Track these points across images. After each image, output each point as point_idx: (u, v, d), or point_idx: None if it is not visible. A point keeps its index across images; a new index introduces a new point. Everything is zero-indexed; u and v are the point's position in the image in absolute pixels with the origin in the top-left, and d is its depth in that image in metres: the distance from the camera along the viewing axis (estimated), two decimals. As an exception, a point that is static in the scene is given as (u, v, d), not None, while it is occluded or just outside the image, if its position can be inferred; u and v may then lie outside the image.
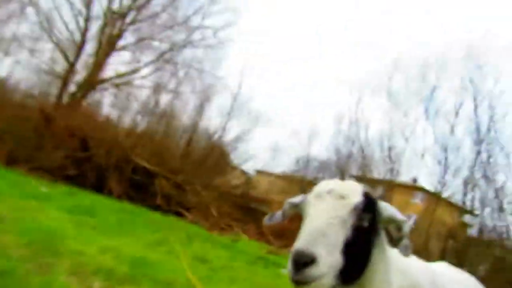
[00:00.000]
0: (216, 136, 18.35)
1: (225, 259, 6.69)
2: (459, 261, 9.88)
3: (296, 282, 1.16)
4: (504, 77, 11.15)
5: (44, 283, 3.11)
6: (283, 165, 21.86)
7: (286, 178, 22.07)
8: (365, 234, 1.32)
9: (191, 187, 11.54)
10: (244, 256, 7.66)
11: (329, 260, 1.17)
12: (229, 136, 18.95)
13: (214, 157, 17.53)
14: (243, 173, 25.65)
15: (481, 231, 11.40)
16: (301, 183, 17.62)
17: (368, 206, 1.34)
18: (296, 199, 1.55)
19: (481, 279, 2.23)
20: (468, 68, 11.73)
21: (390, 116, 13.58)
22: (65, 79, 14.19)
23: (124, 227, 6.46)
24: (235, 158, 20.61)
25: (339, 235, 1.23)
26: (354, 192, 1.36)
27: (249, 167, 22.99)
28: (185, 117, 18.03)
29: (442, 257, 8.96)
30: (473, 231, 12.10)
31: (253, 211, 14.92)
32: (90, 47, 15.26)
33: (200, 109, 17.87)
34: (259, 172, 24.18)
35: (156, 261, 4.86)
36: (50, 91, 14.61)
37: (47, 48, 14.94)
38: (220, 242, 8.55)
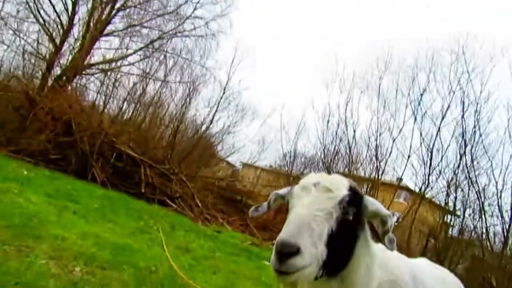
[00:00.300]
0: (203, 127, 18.24)
1: (208, 250, 6.70)
2: (439, 259, 10.14)
3: (279, 272, 1.15)
4: (491, 82, 11.36)
5: (23, 267, 3.05)
6: (270, 159, 21.89)
7: (272, 172, 22.17)
8: (349, 228, 1.33)
9: (176, 177, 11.47)
10: (228, 247, 7.68)
11: (313, 251, 1.18)
12: (216, 128, 18.86)
13: (201, 148, 17.45)
14: (229, 165, 25.68)
15: (461, 231, 11.71)
16: (287, 177, 17.71)
17: (354, 200, 1.35)
18: (283, 190, 1.56)
19: (460, 277, 2.28)
20: (457, 72, 11.90)
21: (378, 116, 13.72)
22: (51, 62, 13.83)
23: (106, 214, 6.38)
24: (222, 150, 20.56)
25: (324, 228, 1.24)
26: (340, 185, 1.36)
27: (235, 159, 23.00)
28: (172, 107, 17.85)
29: (422, 255, 9.16)
30: (454, 231, 12.41)
31: (238, 203, 14.98)
32: (77, 31, 14.92)
33: (187, 99, 17.70)
34: (245, 165, 24.22)
35: (138, 249, 4.83)
36: (35, 74, 14.25)
37: (33, 29, 14.53)
38: (204, 232, 8.55)
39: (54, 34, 14.36)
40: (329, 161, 15.44)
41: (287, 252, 1.13)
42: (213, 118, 17.96)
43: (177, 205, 10.61)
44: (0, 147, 9.24)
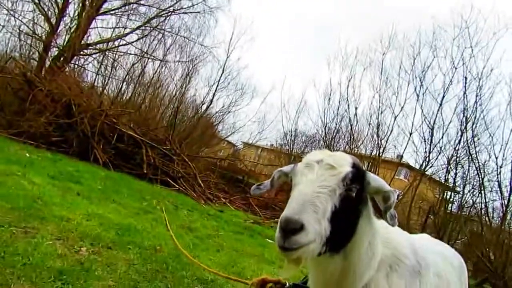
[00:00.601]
0: (203, 107, 18.17)
1: (211, 228, 6.80)
2: (438, 235, 10.28)
3: (283, 248, 1.16)
4: (493, 57, 11.18)
5: (30, 247, 3.10)
6: (271, 138, 21.90)
7: (273, 151, 22.24)
8: (353, 204, 1.34)
9: (178, 157, 11.52)
10: (230, 226, 7.80)
11: (317, 227, 1.18)
12: (216, 108, 18.79)
13: (201, 128, 17.44)
14: (230, 145, 25.73)
15: (461, 207, 11.82)
16: (288, 156, 17.76)
17: (357, 176, 1.35)
18: (286, 168, 1.56)
19: (458, 253, 2.31)
20: (460, 47, 11.69)
21: (381, 93, 13.58)
22: (47, 43, 13.63)
23: (109, 195, 6.45)
24: (222, 130, 20.56)
25: (328, 204, 1.24)
26: (344, 162, 1.36)
27: (236, 139, 23.03)
28: (172, 87, 17.73)
29: (422, 231, 9.29)
30: (453, 208, 12.52)
31: (240, 182, 15.10)
32: (73, 9, 14.61)
33: (187, 79, 17.55)
34: (246, 145, 24.27)
35: (143, 229, 4.91)
36: (32, 55, 14.06)
37: (27, 8, 14.22)
38: (207, 212, 8.66)
39: (49, 13, 14.09)
40: (330, 139, 15.42)
41: (291, 228, 1.14)
42: (213, 98, 17.89)
43: (180, 185, 10.69)
44: (1, 130, 9.23)
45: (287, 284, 1.82)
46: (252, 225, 8.80)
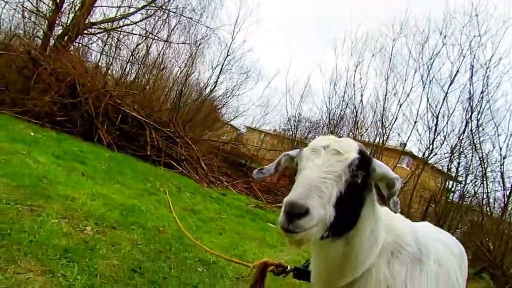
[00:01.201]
0: (207, 90, 18.10)
1: (214, 211, 6.87)
2: (438, 224, 10.34)
3: (287, 230, 1.17)
4: (502, 46, 10.98)
5: (36, 225, 3.15)
6: (274, 123, 21.89)
7: (276, 136, 22.22)
8: (358, 190, 1.34)
9: (182, 140, 11.55)
10: (232, 209, 7.87)
11: (322, 212, 1.19)
12: (220, 91, 18.71)
13: (205, 111, 17.41)
14: (234, 129, 25.72)
15: (462, 197, 11.83)
16: (291, 142, 17.76)
17: (363, 163, 1.35)
18: (292, 152, 1.56)
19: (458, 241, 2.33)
20: (469, 35, 11.48)
21: (388, 81, 13.45)
22: (52, 21, 13.49)
23: (113, 176, 6.50)
24: (226, 113, 20.53)
25: (333, 190, 1.25)
26: (350, 148, 1.36)
27: (240, 123, 23.02)
28: (176, 69, 17.62)
29: (422, 220, 9.34)
30: (455, 197, 12.54)
31: (242, 166, 15.17)
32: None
33: (191, 60, 17.42)
34: (250, 129, 24.25)
35: (146, 210, 4.96)
36: (36, 33, 13.95)
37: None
38: (209, 195, 8.73)
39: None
40: (334, 125, 15.38)
41: (296, 213, 1.14)
42: (217, 81, 17.79)
43: (183, 168, 10.76)
44: (6, 108, 9.25)
45: (289, 267, 1.84)
46: (254, 209, 8.88)
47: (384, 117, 13.58)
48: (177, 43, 16.97)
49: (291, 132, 18.77)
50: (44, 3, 13.89)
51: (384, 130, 13.55)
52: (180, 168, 10.64)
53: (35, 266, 2.57)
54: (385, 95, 13.47)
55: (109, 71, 15.65)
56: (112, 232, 3.70)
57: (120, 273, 2.92)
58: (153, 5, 15.56)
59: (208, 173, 11.29)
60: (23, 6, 13.48)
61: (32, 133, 7.62)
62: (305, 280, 1.76)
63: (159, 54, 16.83)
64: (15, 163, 4.83)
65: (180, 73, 17.42)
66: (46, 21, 13.59)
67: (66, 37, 13.05)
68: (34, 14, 13.69)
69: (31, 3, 13.62)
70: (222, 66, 17.70)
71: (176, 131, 11.70)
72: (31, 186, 4.05)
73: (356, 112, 14.44)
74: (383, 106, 13.53)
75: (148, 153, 10.37)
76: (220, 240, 5.03)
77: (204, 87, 18.02)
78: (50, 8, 13.80)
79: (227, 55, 17.71)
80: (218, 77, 17.79)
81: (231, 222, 6.45)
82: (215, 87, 17.93)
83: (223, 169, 13.32)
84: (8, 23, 14.39)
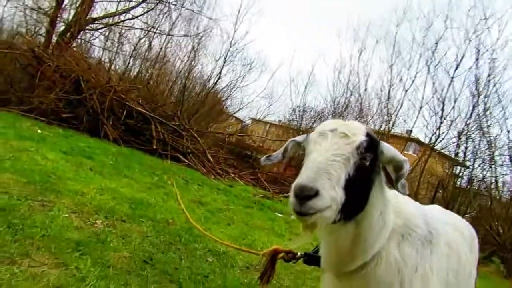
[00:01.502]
0: (210, 82, 18.05)
1: (221, 203, 6.91)
2: (447, 209, 10.30)
3: (299, 213, 1.16)
4: (508, 29, 10.81)
5: (48, 220, 3.20)
6: (279, 113, 21.83)
7: (281, 127, 22.18)
8: (366, 173, 1.33)
9: (187, 133, 11.58)
10: (240, 200, 7.91)
11: (332, 193, 1.18)
12: (223, 83, 18.64)
13: (209, 104, 17.38)
14: (239, 121, 25.70)
15: (470, 181, 11.77)
16: (297, 132, 17.71)
17: (371, 145, 1.34)
18: (299, 137, 1.55)
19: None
20: (475, 18, 11.30)
21: (392, 66, 13.33)
22: (53, 17, 13.49)
23: (121, 170, 6.55)
24: (230, 106, 20.49)
25: (342, 173, 1.24)
26: (358, 131, 1.35)
27: (244, 115, 22.98)
28: (179, 62, 17.57)
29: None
30: (462, 182, 12.48)
31: (248, 158, 15.20)
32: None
33: (194, 53, 17.35)
34: (254, 120, 24.21)
35: (155, 203, 5.01)
36: (38, 31, 13.99)
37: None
38: (217, 186, 8.77)
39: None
40: (339, 114, 15.31)
41: (305, 195, 1.14)
42: (220, 73, 17.71)
43: (189, 160, 10.80)
44: (13, 107, 9.32)
45: (299, 253, 1.85)
46: (262, 200, 8.91)
47: (389, 103, 13.49)
48: (179, 36, 16.93)
49: (296, 122, 18.74)
50: (45, 0, 13.90)
51: (389, 117, 13.47)
52: (187, 161, 10.69)
53: (49, 260, 2.61)
54: (390, 81, 13.36)
55: (112, 67, 15.68)
56: (122, 225, 3.75)
57: (132, 265, 2.96)
58: (154, -2, 15.47)
59: (215, 165, 11.32)
60: (24, 4, 13.50)
61: (39, 131, 7.69)
62: (316, 265, 1.76)
63: (161, 48, 16.82)
64: (24, 160, 4.89)
65: (183, 66, 17.39)
66: (48, 18, 13.60)
67: (68, 34, 13.07)
68: (36, 12, 13.70)
69: (32, 0, 13.64)
70: (225, 58, 17.62)
71: (181, 124, 11.73)
72: (41, 182, 4.11)
73: (361, 100, 14.36)
74: (388, 93, 13.43)
75: (154, 147, 10.42)
76: (229, 230, 5.07)
77: (208, 80, 17.97)
78: (51, 5, 13.80)
79: (230, 47, 17.61)
80: (221, 69, 17.72)
81: (239, 213, 6.48)
82: (218, 79, 17.87)
83: (229, 161, 13.35)
84: (10, 21, 14.44)
